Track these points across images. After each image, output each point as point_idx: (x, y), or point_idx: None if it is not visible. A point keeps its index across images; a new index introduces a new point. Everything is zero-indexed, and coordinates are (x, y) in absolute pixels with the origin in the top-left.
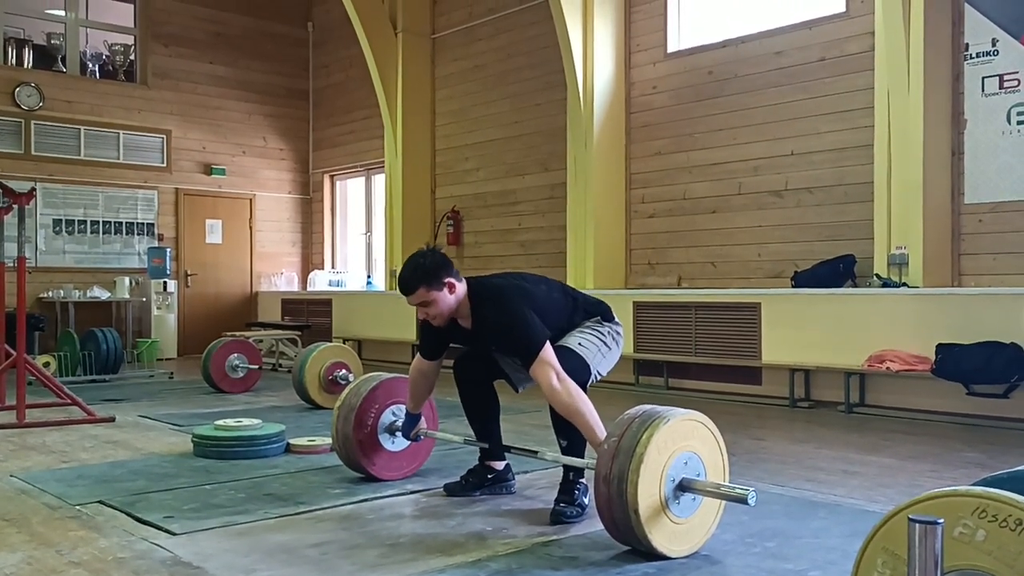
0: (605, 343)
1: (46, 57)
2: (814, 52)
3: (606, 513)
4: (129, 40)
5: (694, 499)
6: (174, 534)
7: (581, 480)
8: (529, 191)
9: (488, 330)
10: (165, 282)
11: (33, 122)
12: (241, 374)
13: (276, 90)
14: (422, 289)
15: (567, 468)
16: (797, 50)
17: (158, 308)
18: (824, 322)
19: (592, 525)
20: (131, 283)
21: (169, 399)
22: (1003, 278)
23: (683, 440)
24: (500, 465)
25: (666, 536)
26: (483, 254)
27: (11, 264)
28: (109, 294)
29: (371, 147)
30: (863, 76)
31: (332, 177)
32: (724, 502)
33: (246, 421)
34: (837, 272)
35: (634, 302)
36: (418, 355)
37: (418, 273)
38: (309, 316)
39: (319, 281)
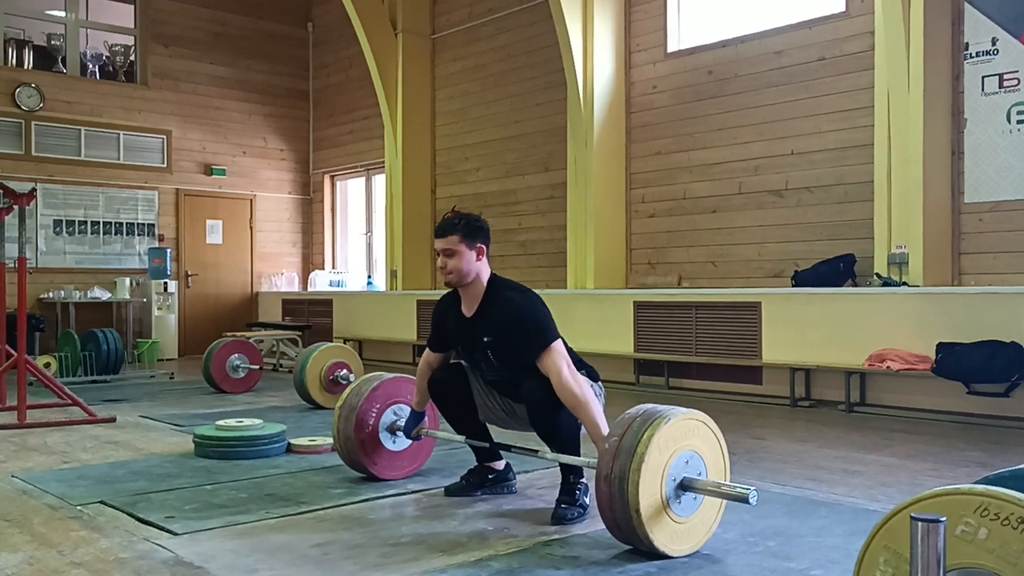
0: (596, 395)
1: (46, 58)
2: (814, 52)
3: (607, 513)
4: (129, 41)
5: (695, 498)
6: (176, 534)
7: (582, 480)
8: (529, 191)
9: (498, 316)
10: (166, 283)
11: (33, 123)
12: (242, 374)
13: (276, 90)
14: (456, 236)
15: (566, 471)
16: (797, 50)
17: (159, 309)
18: (824, 321)
19: (594, 524)
20: (132, 284)
21: (170, 399)
22: (1003, 277)
23: (684, 439)
24: (500, 465)
25: (668, 535)
26: None
27: (11, 265)
28: (110, 295)
29: (371, 147)
30: (863, 75)
31: (332, 177)
32: (726, 501)
33: (247, 421)
34: (837, 271)
35: (634, 302)
36: (427, 348)
37: (462, 223)
38: (310, 316)
39: (320, 281)
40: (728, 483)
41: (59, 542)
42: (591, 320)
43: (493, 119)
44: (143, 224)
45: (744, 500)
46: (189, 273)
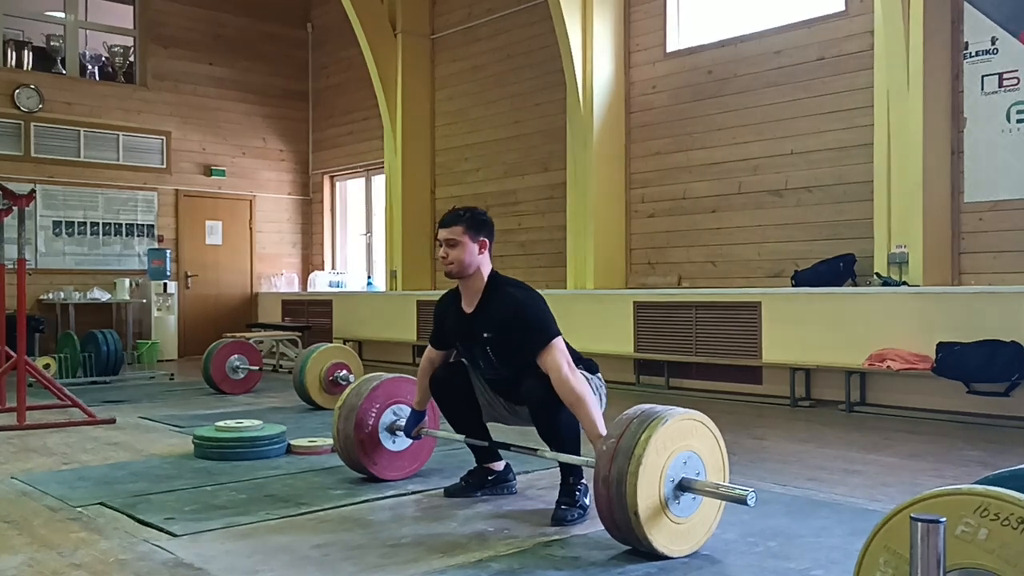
0: (595, 390)
1: (45, 59)
2: (813, 51)
3: (606, 514)
4: (128, 42)
5: (694, 498)
6: (175, 536)
7: (582, 481)
8: (529, 191)
9: (499, 311)
10: (165, 283)
11: (33, 124)
12: (242, 375)
13: (275, 91)
14: (461, 227)
15: (566, 471)
16: (796, 49)
17: (158, 310)
18: (824, 321)
19: (593, 525)
20: (131, 285)
21: (170, 400)
22: (1003, 276)
23: (682, 439)
24: (500, 466)
25: (667, 536)
26: None
27: (11, 266)
28: (109, 296)
29: (371, 148)
30: (862, 75)
31: (332, 178)
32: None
33: (247, 422)
34: (837, 271)
35: (634, 302)
36: (429, 345)
37: (467, 215)
38: (309, 317)
39: (319, 282)
40: (726, 484)
41: (59, 544)
42: (591, 320)
43: (492, 119)
44: (142, 225)
45: (742, 502)
46: (189, 274)
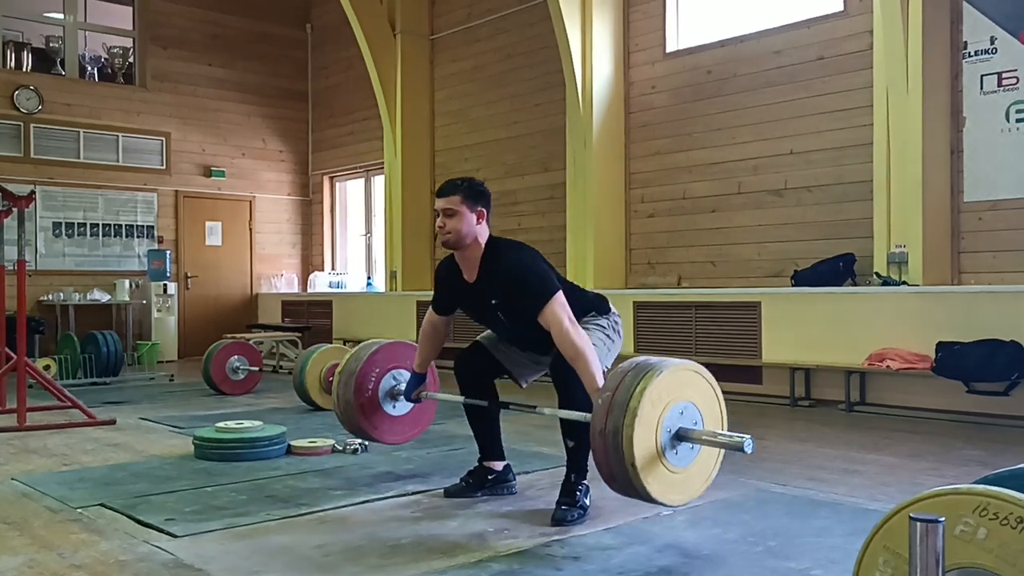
0: (608, 336)
1: (45, 60)
2: (813, 51)
3: (604, 467)
4: (128, 43)
5: (692, 448)
6: (176, 536)
7: (583, 481)
8: (529, 191)
9: (499, 278)
10: (165, 284)
11: (32, 125)
12: (242, 376)
13: (275, 92)
14: (458, 197)
15: (568, 471)
16: (796, 49)
17: (158, 310)
18: (824, 321)
19: (594, 525)
20: (131, 286)
21: (170, 401)
22: (1003, 276)
23: (678, 390)
24: (499, 466)
25: (664, 486)
26: None
27: (11, 267)
28: (109, 297)
29: (370, 148)
30: (862, 75)
31: (332, 178)
32: (723, 450)
33: (247, 423)
34: (837, 271)
35: (634, 302)
36: (430, 309)
37: (465, 184)
38: (309, 318)
39: (319, 283)
40: (724, 432)
41: (59, 545)
42: None
43: (492, 120)
44: (142, 226)
45: (739, 448)
46: (189, 275)
